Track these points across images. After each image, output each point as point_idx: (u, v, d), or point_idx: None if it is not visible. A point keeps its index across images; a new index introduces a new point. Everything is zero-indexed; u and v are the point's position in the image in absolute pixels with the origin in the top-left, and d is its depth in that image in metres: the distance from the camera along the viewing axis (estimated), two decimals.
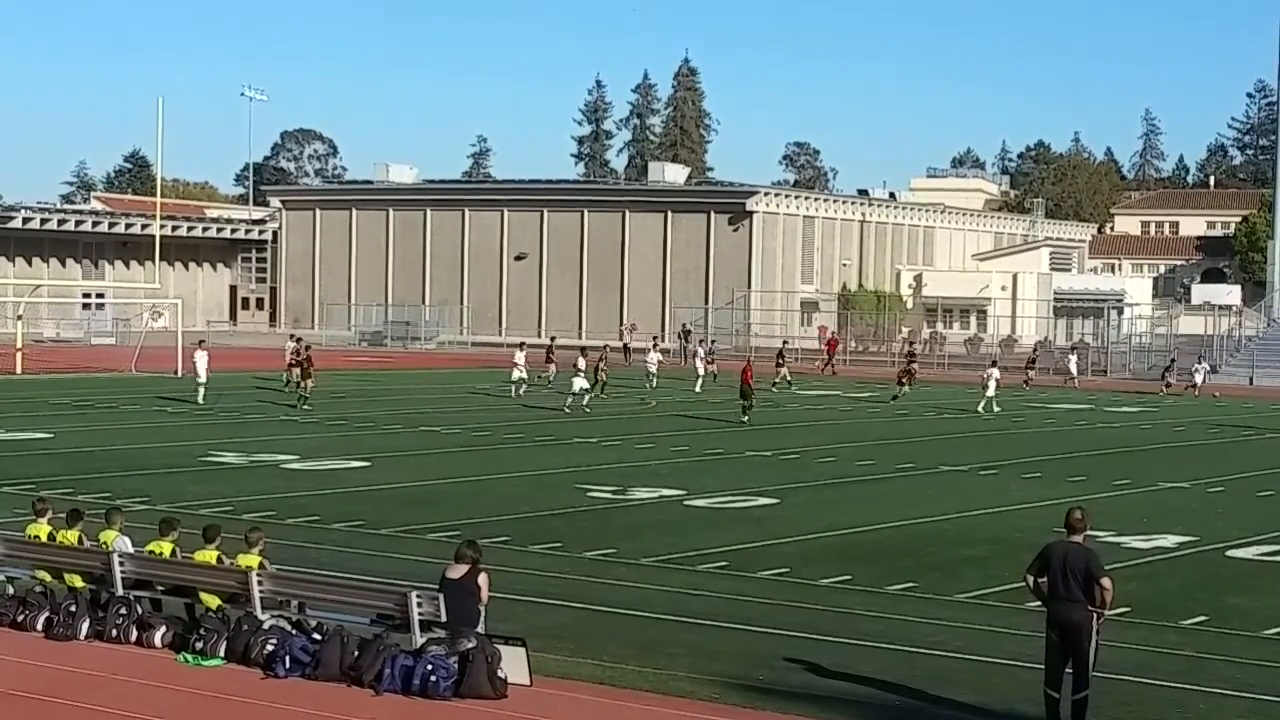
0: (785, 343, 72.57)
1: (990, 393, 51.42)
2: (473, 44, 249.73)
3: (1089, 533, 14.69)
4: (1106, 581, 14.15)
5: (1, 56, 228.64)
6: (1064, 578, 14.11)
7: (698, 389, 58.96)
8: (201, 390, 48.47)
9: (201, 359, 49.15)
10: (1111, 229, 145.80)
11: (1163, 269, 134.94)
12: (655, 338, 76.87)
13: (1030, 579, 14.48)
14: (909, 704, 15.46)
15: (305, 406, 46.64)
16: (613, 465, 34.76)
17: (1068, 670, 14.19)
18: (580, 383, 48.29)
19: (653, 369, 60.60)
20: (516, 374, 54.44)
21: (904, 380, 56.52)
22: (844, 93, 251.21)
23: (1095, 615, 14.11)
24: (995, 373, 53.25)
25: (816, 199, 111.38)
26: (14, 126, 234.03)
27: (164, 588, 17.27)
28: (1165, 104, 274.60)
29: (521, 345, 58.25)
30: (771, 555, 23.54)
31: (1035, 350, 74.34)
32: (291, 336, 64.01)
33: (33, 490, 26.11)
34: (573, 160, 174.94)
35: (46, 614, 17.26)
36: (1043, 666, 14.41)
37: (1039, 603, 14.64)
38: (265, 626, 16.05)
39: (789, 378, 60.49)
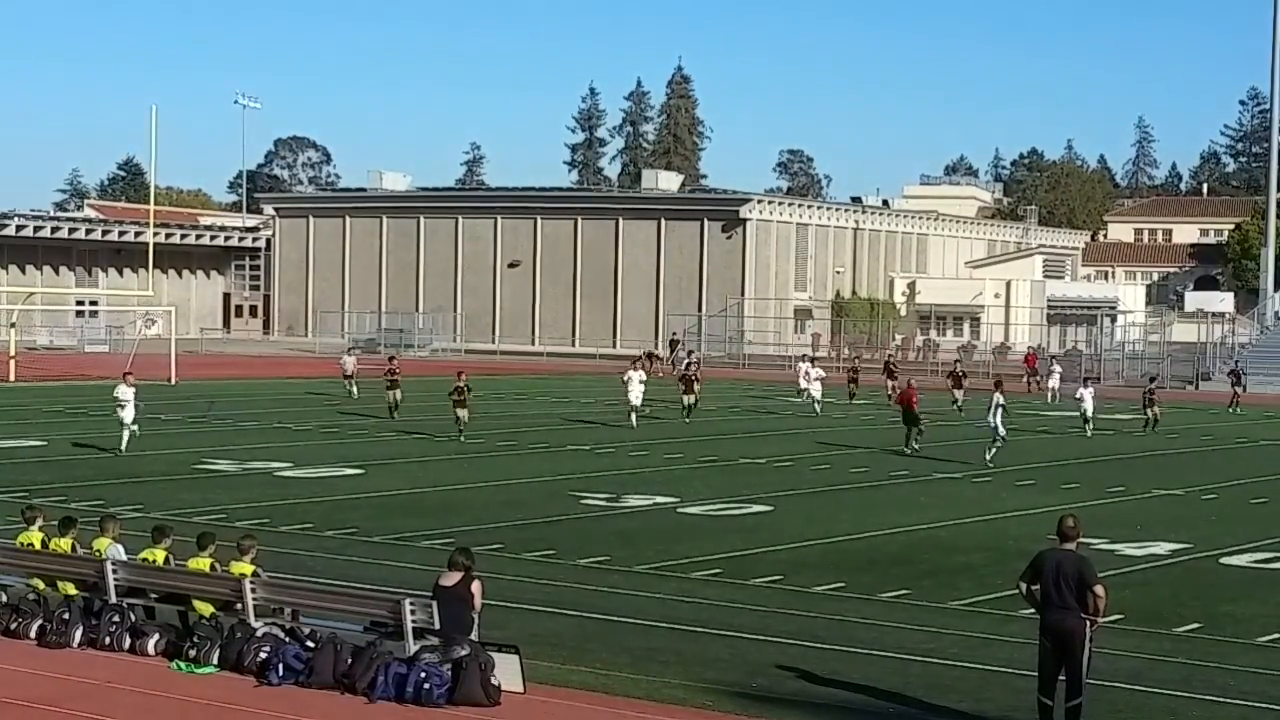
0: (957, 362, 62.65)
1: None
2: (466, 51, 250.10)
3: (1081, 540, 14.72)
4: (1100, 589, 14.17)
5: None
6: (1057, 585, 14.11)
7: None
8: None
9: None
10: (1105, 236, 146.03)
11: (1156, 276, 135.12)
12: (810, 352, 69.54)
13: (1024, 586, 14.49)
14: (903, 711, 15.46)
15: (463, 439, 40.48)
16: (606, 472, 34.73)
17: (1060, 677, 14.20)
18: (996, 421, 38.19)
19: (816, 394, 53.09)
20: (635, 395, 46.12)
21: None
22: (837, 100, 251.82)
23: (1089, 623, 14.11)
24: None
25: (810, 206, 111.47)
26: (7, 134, 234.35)
27: (157, 595, 17.25)
28: (1158, 111, 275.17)
29: (636, 362, 50.01)
30: (765, 562, 23.55)
31: (1238, 365, 65.15)
32: (352, 350, 62.99)
33: (26, 498, 26.11)
34: (566, 168, 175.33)
35: (40, 622, 17.24)
36: (1036, 674, 14.43)
37: (1032, 610, 14.65)
38: (258, 634, 16.03)
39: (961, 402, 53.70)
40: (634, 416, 45.58)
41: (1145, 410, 48.86)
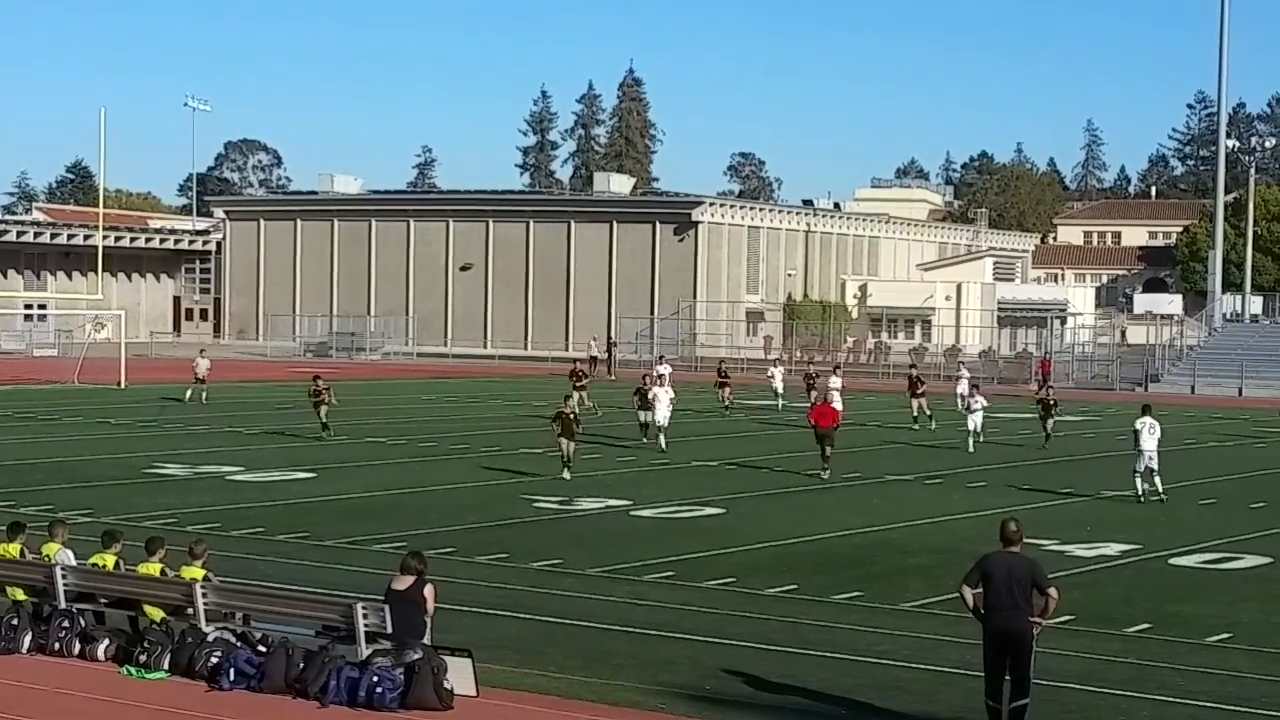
0: (912, 366, 56.96)
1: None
2: (417, 54, 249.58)
3: (1032, 541, 14.76)
4: (1054, 591, 14.23)
5: None
6: (1008, 588, 14.11)
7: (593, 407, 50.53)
8: None
9: None
10: (1054, 239, 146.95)
11: (1105, 279, 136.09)
12: (780, 355, 75.20)
13: (967, 591, 14.32)
14: (856, 714, 15.50)
15: (566, 475, 33.78)
16: (559, 475, 34.64)
17: (1007, 678, 14.23)
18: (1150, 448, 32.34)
19: (779, 387, 56.12)
20: (662, 414, 41.29)
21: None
22: (788, 103, 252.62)
23: (1035, 624, 14.15)
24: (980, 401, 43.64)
25: (761, 209, 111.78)
26: None
27: (107, 600, 17.14)
28: (1107, 115, 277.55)
29: (660, 378, 44.86)
30: (718, 565, 23.57)
31: None
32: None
33: None
34: (518, 171, 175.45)
35: None
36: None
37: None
38: (209, 639, 15.96)
39: (928, 412, 49.56)
40: (662, 437, 40.68)
41: (1043, 424, 44.04)
